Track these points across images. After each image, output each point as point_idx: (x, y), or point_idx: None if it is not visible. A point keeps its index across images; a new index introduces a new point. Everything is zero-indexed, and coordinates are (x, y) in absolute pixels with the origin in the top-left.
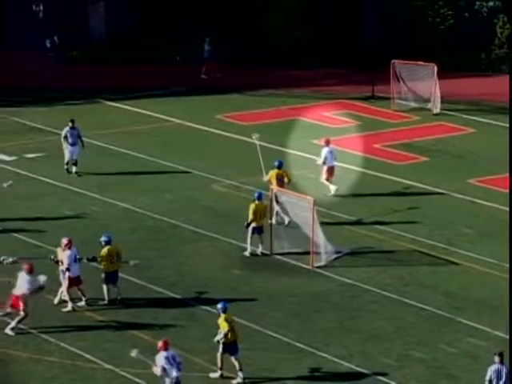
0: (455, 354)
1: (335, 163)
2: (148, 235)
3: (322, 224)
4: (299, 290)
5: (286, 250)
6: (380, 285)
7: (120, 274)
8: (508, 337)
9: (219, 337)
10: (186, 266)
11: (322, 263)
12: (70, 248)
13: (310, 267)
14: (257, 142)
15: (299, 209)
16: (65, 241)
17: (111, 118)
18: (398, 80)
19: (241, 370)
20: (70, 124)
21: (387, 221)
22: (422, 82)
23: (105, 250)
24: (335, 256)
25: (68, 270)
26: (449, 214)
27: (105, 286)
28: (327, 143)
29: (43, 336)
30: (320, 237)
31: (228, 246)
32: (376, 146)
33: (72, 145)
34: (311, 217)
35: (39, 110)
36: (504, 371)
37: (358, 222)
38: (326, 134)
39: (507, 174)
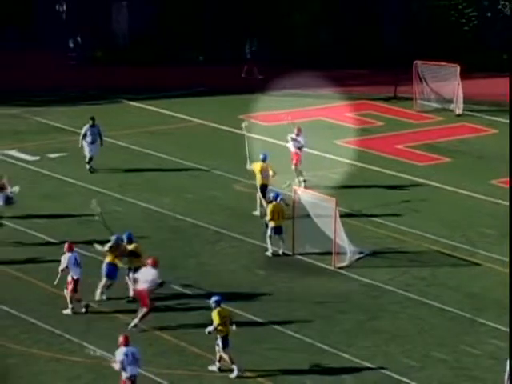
0: (477, 355)
1: (299, 151)
2: (170, 235)
3: (344, 224)
4: (321, 291)
5: (308, 251)
6: (402, 286)
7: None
8: None
9: (210, 328)
10: (209, 266)
11: (345, 264)
12: (71, 251)
13: (332, 268)
14: (245, 132)
15: (321, 209)
16: (66, 244)
17: (133, 118)
18: (421, 81)
19: (232, 363)
20: (91, 122)
21: (409, 222)
22: (445, 83)
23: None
24: (357, 257)
25: (62, 271)
26: (471, 215)
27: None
28: (298, 130)
29: (66, 336)
30: (342, 237)
31: (250, 246)
32: (398, 146)
33: (91, 143)
34: (333, 217)
35: (62, 109)
36: None
37: (380, 223)
38: (348, 134)
39: None
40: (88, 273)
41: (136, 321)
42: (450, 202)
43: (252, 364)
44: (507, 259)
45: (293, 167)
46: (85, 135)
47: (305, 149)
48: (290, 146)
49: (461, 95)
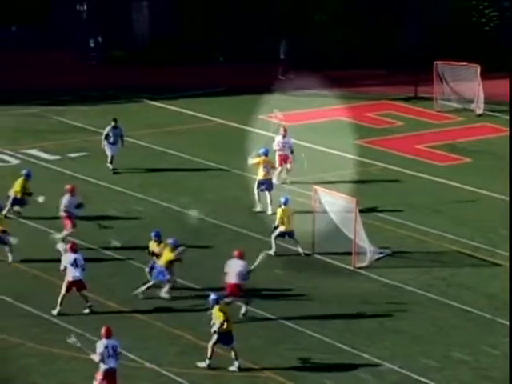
0: (497, 355)
1: (288, 152)
2: (190, 235)
3: (365, 224)
4: (341, 291)
5: (328, 250)
6: (422, 286)
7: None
8: None
9: (215, 327)
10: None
11: (365, 264)
12: (74, 252)
13: (352, 268)
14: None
15: (341, 209)
16: (68, 244)
17: (154, 118)
18: (441, 81)
19: (237, 359)
20: (113, 123)
21: (430, 222)
22: (466, 83)
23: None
24: (377, 257)
25: (64, 270)
26: (492, 216)
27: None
28: (284, 131)
29: (85, 334)
30: (362, 237)
31: (270, 246)
32: (419, 146)
33: (113, 144)
34: (353, 217)
35: (82, 109)
36: None
37: (401, 223)
38: (368, 134)
39: None
40: (106, 273)
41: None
42: (470, 202)
43: (272, 364)
44: None
45: (287, 168)
46: (107, 136)
47: (324, 148)
48: (280, 147)
49: (481, 95)
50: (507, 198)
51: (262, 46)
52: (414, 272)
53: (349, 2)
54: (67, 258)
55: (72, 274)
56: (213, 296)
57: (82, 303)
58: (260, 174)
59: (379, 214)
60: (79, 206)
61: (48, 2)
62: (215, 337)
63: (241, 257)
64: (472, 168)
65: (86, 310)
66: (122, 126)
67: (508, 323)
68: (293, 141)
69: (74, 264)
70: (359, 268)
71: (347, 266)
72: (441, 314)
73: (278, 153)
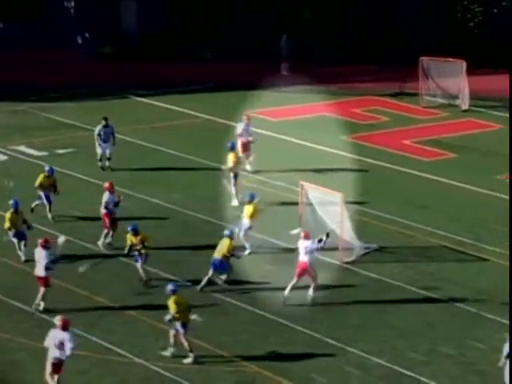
0: (484, 349)
1: (250, 138)
2: (179, 231)
3: (351, 219)
4: (329, 286)
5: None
6: (409, 280)
7: (152, 270)
8: None
9: (168, 317)
10: None
11: (352, 259)
12: (42, 247)
13: (339, 263)
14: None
15: (328, 204)
16: (41, 240)
17: (141, 114)
18: (427, 76)
19: (191, 350)
20: (104, 122)
21: (416, 217)
22: (451, 79)
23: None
24: (364, 252)
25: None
26: (477, 210)
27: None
28: (247, 119)
29: (73, 329)
30: (349, 232)
31: (259, 242)
32: (405, 142)
33: (104, 142)
34: (340, 212)
35: (70, 105)
36: None
37: (387, 218)
38: (355, 130)
39: None
40: (95, 269)
41: (311, 292)
42: (456, 197)
43: (260, 358)
44: None
45: (249, 156)
46: (99, 134)
47: (310, 144)
48: (242, 133)
49: (467, 91)
50: (493, 193)
51: (250, 43)
52: (400, 267)
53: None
54: (36, 253)
55: (38, 269)
56: (170, 286)
57: (70, 299)
58: (233, 167)
59: (366, 209)
60: (117, 203)
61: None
62: (182, 329)
63: (307, 237)
64: (457, 163)
65: (33, 307)
66: (111, 122)
67: (495, 317)
68: (253, 129)
69: (41, 260)
70: (346, 263)
71: (335, 261)
72: (427, 309)
73: (239, 139)
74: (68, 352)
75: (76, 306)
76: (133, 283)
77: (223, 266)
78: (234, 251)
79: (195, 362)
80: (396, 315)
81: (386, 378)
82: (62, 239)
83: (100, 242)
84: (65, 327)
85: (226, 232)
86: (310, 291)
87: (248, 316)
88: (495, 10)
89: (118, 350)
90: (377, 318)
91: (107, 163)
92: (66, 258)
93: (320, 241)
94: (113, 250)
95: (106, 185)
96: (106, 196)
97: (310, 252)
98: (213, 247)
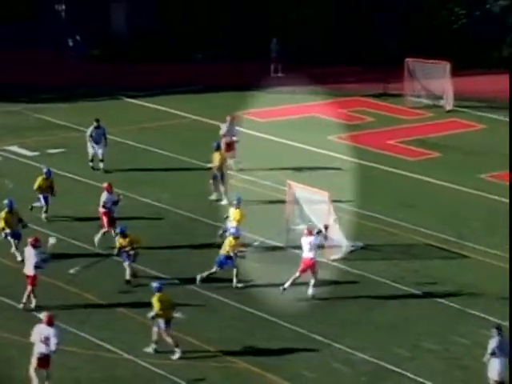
0: (468, 345)
1: (234, 138)
2: (170, 230)
3: (337, 218)
4: (315, 283)
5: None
6: (394, 277)
7: (142, 268)
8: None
9: (152, 314)
10: (207, 260)
11: (338, 256)
12: (32, 247)
13: (325, 260)
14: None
15: (315, 203)
16: (30, 239)
17: (131, 115)
18: (412, 77)
19: (177, 345)
20: (95, 123)
21: (401, 215)
22: (435, 80)
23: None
24: (350, 249)
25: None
26: (461, 209)
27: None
28: (231, 120)
29: (63, 326)
30: (336, 231)
31: (248, 240)
32: (390, 142)
33: (96, 143)
34: (326, 211)
35: (61, 106)
36: (504, 342)
37: (373, 216)
38: (341, 130)
39: None
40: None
41: (311, 290)
42: (440, 195)
43: (248, 354)
44: (496, 252)
45: (234, 156)
46: (91, 136)
47: (297, 144)
48: (227, 133)
49: (451, 92)
50: (476, 192)
51: (240, 45)
52: (385, 264)
53: (319, 2)
54: (26, 252)
55: (27, 268)
56: (155, 284)
57: (61, 297)
58: (218, 168)
59: (352, 208)
60: (116, 202)
61: (28, 1)
62: (164, 325)
63: (311, 234)
64: (441, 162)
65: (20, 306)
66: (101, 122)
67: (478, 313)
68: (237, 129)
69: (31, 259)
70: (333, 260)
71: (321, 259)
72: (411, 305)
73: (223, 139)
74: (53, 347)
75: (67, 303)
76: (123, 281)
77: (228, 262)
78: (238, 250)
79: (183, 356)
80: (381, 311)
81: (372, 373)
82: (52, 240)
83: (96, 240)
84: (50, 323)
85: (232, 230)
86: (310, 289)
87: (236, 313)
88: (478, 13)
89: (108, 347)
90: (362, 314)
91: (101, 165)
92: (57, 256)
93: (318, 233)
94: (105, 248)
95: (105, 185)
96: (104, 196)
97: (315, 248)
98: (203, 246)
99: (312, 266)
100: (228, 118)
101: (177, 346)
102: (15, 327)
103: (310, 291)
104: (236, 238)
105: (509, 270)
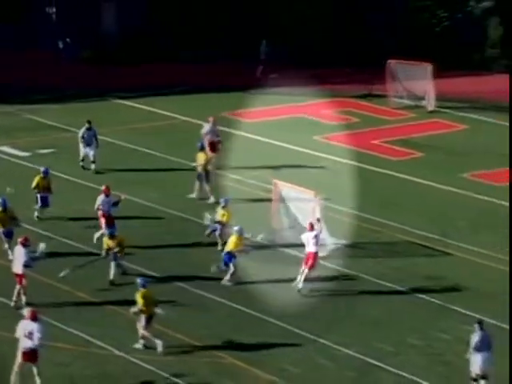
0: (450, 340)
1: (217, 139)
2: (159, 229)
3: (322, 216)
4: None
5: (288, 242)
6: (377, 274)
7: (132, 265)
8: (508, 326)
9: (134, 309)
10: (195, 258)
11: (323, 254)
12: (22, 245)
13: None
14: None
15: (300, 201)
16: (20, 238)
17: (122, 116)
18: (395, 79)
19: (156, 337)
20: (87, 125)
21: (384, 213)
22: (418, 81)
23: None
24: (335, 247)
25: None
26: (443, 207)
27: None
28: (213, 121)
29: (55, 323)
30: (321, 228)
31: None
32: (374, 142)
33: (87, 145)
34: (312, 209)
35: (52, 107)
36: (486, 337)
37: (357, 215)
38: (326, 130)
39: (499, 169)
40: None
41: (301, 279)
42: (423, 194)
43: (235, 350)
44: (478, 249)
45: (217, 156)
46: (82, 137)
47: (284, 144)
48: (208, 132)
49: (433, 93)
50: (458, 190)
51: (229, 45)
52: (369, 261)
53: (312, 4)
54: (15, 251)
55: (15, 266)
56: (139, 280)
57: (53, 294)
58: (202, 167)
59: (337, 207)
60: (115, 204)
61: (20, 4)
62: (144, 320)
63: (312, 228)
64: (424, 162)
65: (12, 304)
66: (92, 123)
67: (460, 309)
68: (219, 129)
69: (19, 258)
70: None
71: None
72: (394, 302)
73: (205, 138)
74: (36, 342)
75: (58, 301)
76: (115, 278)
77: (232, 260)
78: (241, 247)
79: (167, 348)
80: (365, 308)
81: (357, 368)
82: (43, 245)
83: (95, 238)
84: (34, 318)
85: (235, 228)
86: (301, 283)
87: (225, 310)
88: (460, 15)
89: (99, 343)
90: (347, 310)
91: (92, 166)
92: (48, 255)
93: (312, 226)
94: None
95: (103, 188)
96: (100, 198)
97: (318, 242)
98: (192, 245)
99: (314, 260)
100: (210, 119)
101: (156, 337)
102: (7, 325)
103: (300, 285)
104: (240, 236)
105: (509, 271)
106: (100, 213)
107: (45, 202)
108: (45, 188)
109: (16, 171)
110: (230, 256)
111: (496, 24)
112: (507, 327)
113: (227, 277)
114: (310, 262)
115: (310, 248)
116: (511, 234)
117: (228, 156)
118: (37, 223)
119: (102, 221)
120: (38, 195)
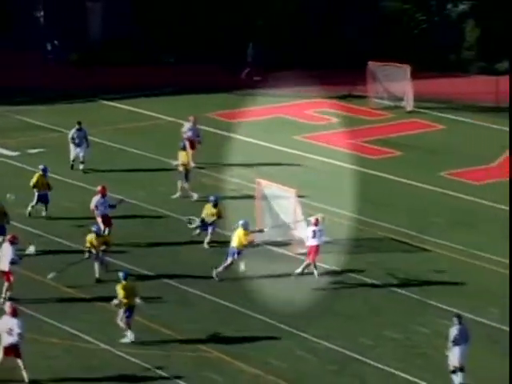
0: (428, 334)
1: (197, 138)
2: (144, 226)
3: (303, 214)
4: (282, 275)
5: (270, 239)
6: (356, 270)
7: (119, 263)
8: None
9: (115, 302)
10: (181, 255)
11: (304, 250)
12: (10, 243)
13: (292, 254)
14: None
15: (282, 199)
16: (8, 236)
17: (108, 116)
18: (374, 80)
19: (129, 328)
20: (77, 126)
21: (364, 211)
22: (397, 82)
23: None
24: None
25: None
26: (421, 205)
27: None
28: (194, 120)
29: (44, 318)
30: (302, 226)
31: (219, 237)
32: (354, 141)
33: (78, 145)
34: (293, 207)
35: (41, 108)
36: (464, 330)
37: (337, 212)
38: (307, 130)
39: (476, 168)
40: (64, 261)
41: (315, 271)
42: (402, 192)
43: (221, 344)
44: (454, 245)
45: (190, 155)
46: (72, 138)
47: (265, 143)
48: (187, 131)
49: (411, 93)
50: (435, 189)
51: (213, 48)
52: (348, 257)
53: (291, 6)
54: (4, 249)
55: (2, 263)
56: (120, 273)
57: (41, 290)
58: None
59: (317, 204)
60: (112, 206)
61: (8, 7)
62: (123, 311)
63: (317, 224)
64: (403, 161)
65: (1, 300)
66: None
67: (437, 304)
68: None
69: (7, 255)
70: (299, 254)
71: (288, 253)
72: (374, 296)
73: (186, 137)
74: (16, 337)
75: (46, 296)
76: (101, 275)
77: (240, 253)
78: (250, 238)
79: (135, 341)
80: (346, 302)
81: (337, 361)
82: (32, 248)
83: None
84: (14, 314)
85: (241, 222)
86: (300, 269)
87: (210, 305)
88: (437, 18)
89: (86, 337)
90: (328, 304)
91: (81, 166)
92: (38, 252)
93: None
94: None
95: (99, 188)
96: (95, 199)
97: (321, 235)
98: (178, 243)
99: (316, 252)
100: (191, 118)
101: (128, 328)
102: None
103: (299, 270)
104: (246, 231)
105: (509, 271)
106: (96, 213)
107: (45, 199)
108: (44, 186)
109: (6, 171)
110: (234, 251)
111: (472, 27)
112: (484, 321)
113: (219, 268)
114: (311, 256)
115: (312, 241)
116: (511, 234)
117: (212, 155)
118: (26, 220)
119: (99, 221)
120: (37, 193)
